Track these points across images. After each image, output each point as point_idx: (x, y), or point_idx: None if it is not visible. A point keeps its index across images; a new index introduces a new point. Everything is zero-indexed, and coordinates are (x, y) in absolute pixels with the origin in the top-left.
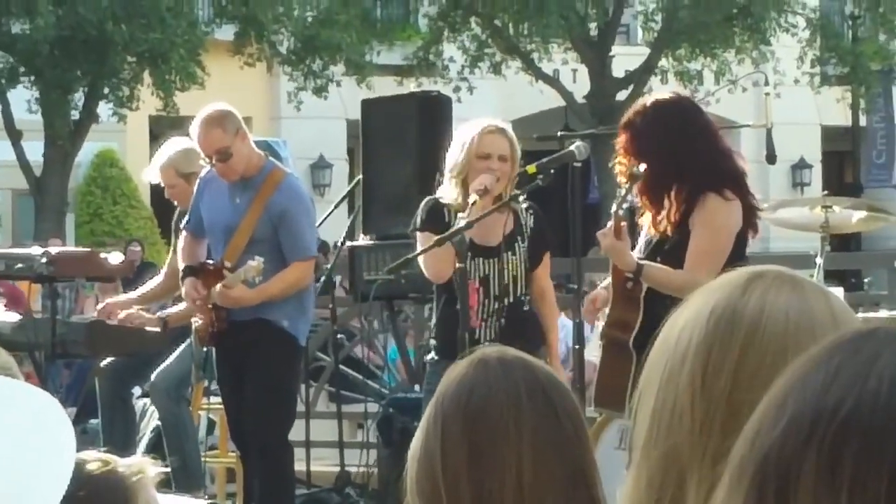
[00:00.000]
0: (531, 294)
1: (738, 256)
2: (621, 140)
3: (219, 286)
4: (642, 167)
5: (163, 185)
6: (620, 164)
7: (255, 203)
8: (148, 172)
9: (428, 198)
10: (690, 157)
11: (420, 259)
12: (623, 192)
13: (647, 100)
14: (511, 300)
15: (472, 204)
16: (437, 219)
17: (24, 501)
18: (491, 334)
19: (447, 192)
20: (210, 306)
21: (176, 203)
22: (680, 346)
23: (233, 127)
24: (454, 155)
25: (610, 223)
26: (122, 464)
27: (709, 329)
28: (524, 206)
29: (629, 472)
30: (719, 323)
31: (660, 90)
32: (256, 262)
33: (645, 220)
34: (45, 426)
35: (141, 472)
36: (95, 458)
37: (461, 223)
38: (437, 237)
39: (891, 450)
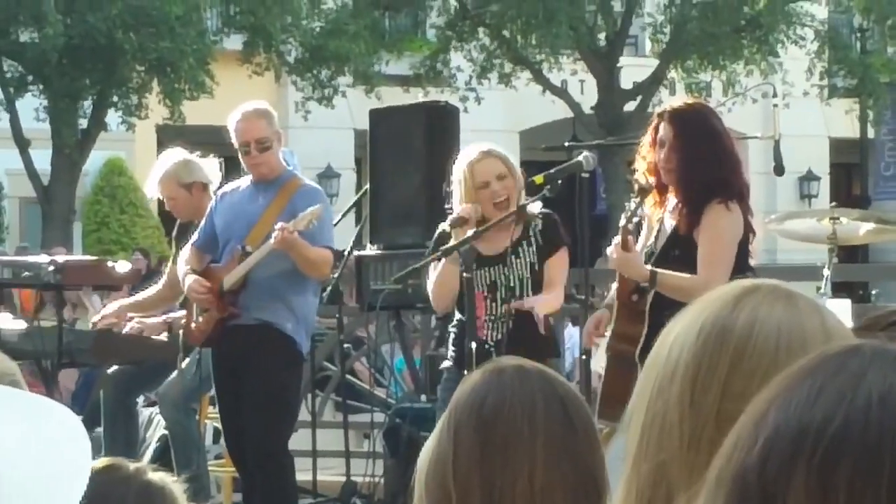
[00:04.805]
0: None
1: (741, 268)
2: (667, 130)
3: (279, 226)
4: (652, 180)
5: (163, 198)
6: (643, 159)
7: (277, 199)
8: (148, 187)
9: (441, 225)
10: (716, 166)
11: (428, 288)
12: (633, 205)
13: (688, 100)
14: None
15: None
16: (441, 245)
17: None
18: (497, 336)
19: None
20: (219, 297)
21: (176, 215)
22: (670, 361)
23: (275, 124)
24: (457, 193)
25: (617, 237)
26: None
27: (698, 345)
28: (536, 211)
29: (619, 486)
30: (709, 338)
31: (669, 102)
32: (317, 207)
33: (646, 219)
34: (61, 439)
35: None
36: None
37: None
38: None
39: (886, 470)
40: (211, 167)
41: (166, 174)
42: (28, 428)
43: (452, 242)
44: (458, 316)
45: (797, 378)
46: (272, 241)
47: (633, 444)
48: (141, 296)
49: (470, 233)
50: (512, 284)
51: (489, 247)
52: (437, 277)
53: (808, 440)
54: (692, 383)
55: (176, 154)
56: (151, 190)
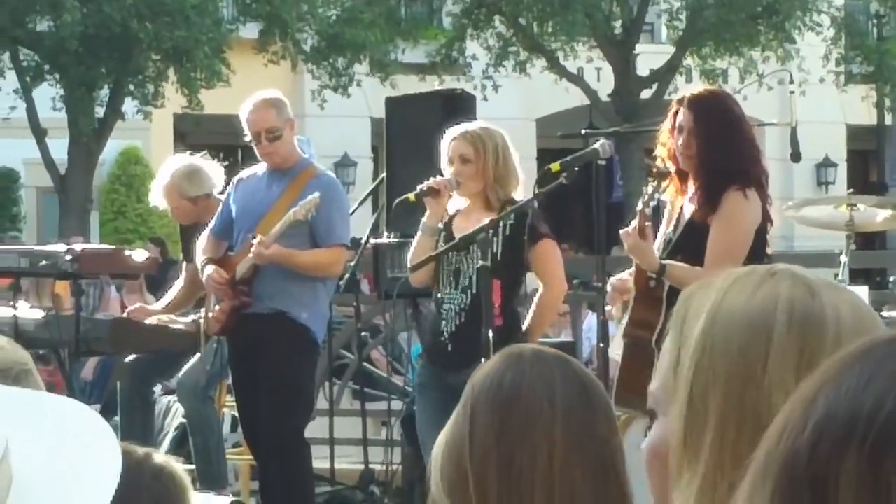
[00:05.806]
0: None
1: (757, 256)
2: (687, 116)
3: (257, 240)
4: (670, 166)
5: (167, 206)
6: (662, 145)
7: (290, 188)
8: (152, 196)
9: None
10: (735, 154)
11: (407, 262)
12: (650, 189)
13: (706, 88)
14: (474, 292)
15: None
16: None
17: None
18: (452, 327)
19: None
20: (233, 286)
21: (179, 221)
22: (757, 347)
23: (285, 113)
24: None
25: (634, 222)
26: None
27: (792, 334)
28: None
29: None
30: (804, 325)
31: (685, 89)
32: (313, 197)
33: (668, 205)
34: (79, 435)
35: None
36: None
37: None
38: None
39: None
40: (216, 172)
41: (169, 186)
42: (42, 424)
43: (438, 228)
44: (435, 294)
45: (846, 364)
46: (250, 254)
47: (697, 464)
48: (167, 299)
49: (486, 220)
50: (471, 273)
51: (462, 230)
52: (413, 250)
53: (860, 425)
54: (796, 370)
55: (180, 162)
56: (155, 199)
